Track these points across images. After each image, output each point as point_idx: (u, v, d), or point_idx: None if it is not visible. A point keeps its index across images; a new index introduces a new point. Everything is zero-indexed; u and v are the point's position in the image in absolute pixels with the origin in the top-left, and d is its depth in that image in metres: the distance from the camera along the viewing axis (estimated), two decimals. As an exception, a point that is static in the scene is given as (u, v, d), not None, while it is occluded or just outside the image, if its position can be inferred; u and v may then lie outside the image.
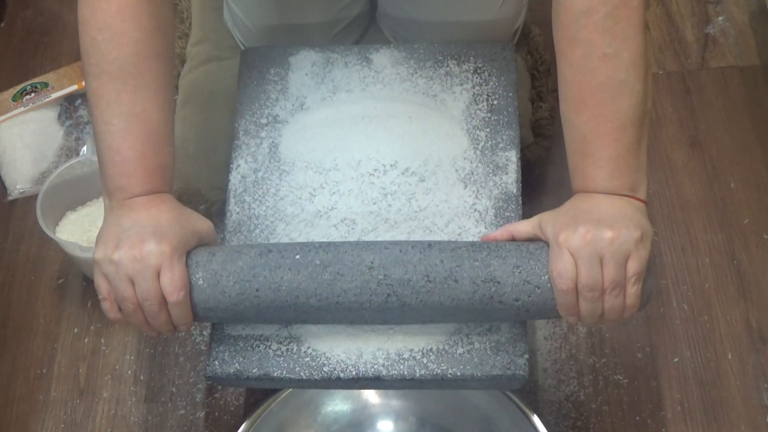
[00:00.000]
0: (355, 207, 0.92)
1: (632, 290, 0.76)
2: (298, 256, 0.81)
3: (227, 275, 0.80)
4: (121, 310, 0.80)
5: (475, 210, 0.91)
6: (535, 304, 0.79)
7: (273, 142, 0.97)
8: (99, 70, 0.81)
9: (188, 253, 0.82)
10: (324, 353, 0.85)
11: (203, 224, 0.84)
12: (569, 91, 0.81)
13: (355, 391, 1.03)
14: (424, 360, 0.84)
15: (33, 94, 1.34)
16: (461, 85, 0.99)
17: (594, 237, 0.74)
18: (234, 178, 0.95)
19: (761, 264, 1.18)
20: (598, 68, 0.78)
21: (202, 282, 0.80)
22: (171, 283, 0.78)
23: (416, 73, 1.00)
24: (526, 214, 0.87)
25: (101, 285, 0.80)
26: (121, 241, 0.78)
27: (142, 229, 0.79)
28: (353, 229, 0.91)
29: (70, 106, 1.35)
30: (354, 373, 0.84)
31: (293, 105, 0.99)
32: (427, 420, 1.03)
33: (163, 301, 0.78)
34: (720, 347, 1.12)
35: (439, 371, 0.83)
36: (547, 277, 0.78)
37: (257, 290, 0.80)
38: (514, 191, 0.92)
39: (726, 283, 1.17)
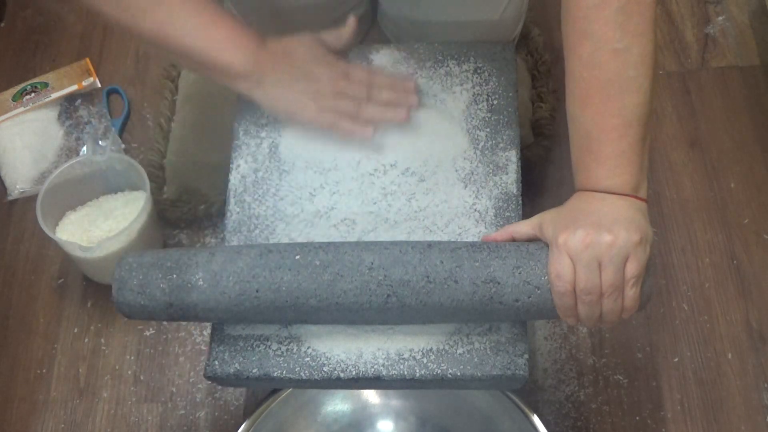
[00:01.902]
0: (355, 207, 0.92)
1: (630, 293, 0.76)
2: (298, 257, 0.81)
3: (227, 276, 0.80)
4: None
5: (475, 210, 0.91)
6: (535, 305, 0.79)
7: (273, 142, 0.97)
8: (141, 11, 0.86)
9: (188, 254, 0.82)
10: (324, 353, 0.85)
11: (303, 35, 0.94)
12: (576, 86, 0.81)
13: (355, 391, 1.03)
14: (424, 360, 0.84)
15: (33, 94, 1.34)
16: (461, 85, 0.99)
17: (593, 240, 0.74)
18: (234, 178, 0.95)
19: (761, 264, 1.18)
20: (608, 63, 0.78)
21: (202, 282, 0.80)
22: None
23: (416, 73, 1.00)
24: (526, 214, 0.87)
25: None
26: (298, 88, 0.90)
27: (303, 71, 0.91)
28: (353, 229, 0.91)
29: (70, 106, 1.35)
30: (354, 373, 0.84)
31: (293, 105, 0.99)
32: (427, 420, 1.03)
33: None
34: (720, 347, 1.12)
35: (439, 371, 0.83)
36: (546, 278, 0.78)
37: (257, 291, 0.80)
38: (514, 191, 0.92)
39: (726, 283, 1.17)
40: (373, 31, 1.20)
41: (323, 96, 0.90)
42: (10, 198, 1.29)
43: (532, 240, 0.82)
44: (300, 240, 0.90)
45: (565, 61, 0.82)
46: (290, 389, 0.96)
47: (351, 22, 0.96)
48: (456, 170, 0.93)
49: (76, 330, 1.18)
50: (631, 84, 0.78)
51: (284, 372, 0.84)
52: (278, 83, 0.90)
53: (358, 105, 0.91)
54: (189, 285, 0.80)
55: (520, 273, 0.79)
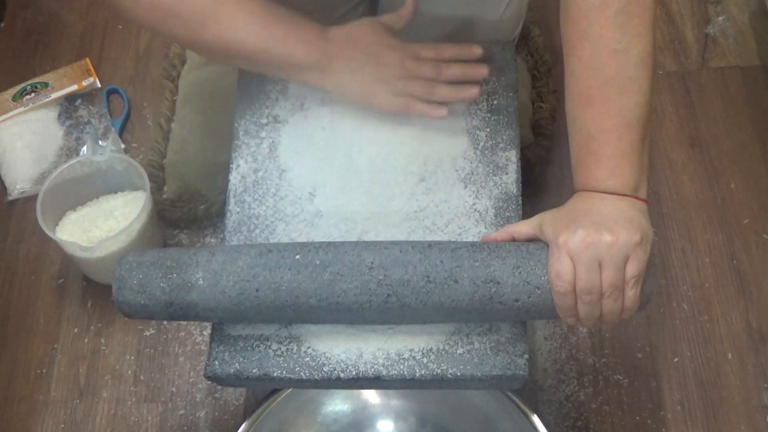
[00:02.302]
0: (355, 207, 0.92)
1: (631, 293, 0.76)
2: (298, 256, 0.81)
3: (227, 275, 0.80)
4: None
5: (475, 210, 0.91)
6: (535, 305, 0.79)
7: (273, 142, 0.97)
8: (201, 25, 0.87)
9: (188, 253, 0.82)
10: (324, 353, 0.85)
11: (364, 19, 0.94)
12: (576, 86, 0.81)
13: (355, 391, 1.03)
14: (424, 360, 0.84)
15: (33, 94, 1.34)
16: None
17: (593, 240, 0.74)
18: (234, 178, 0.95)
19: (761, 264, 1.18)
20: (608, 64, 0.78)
21: (202, 282, 0.80)
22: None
23: (416, 73, 1.00)
24: (526, 214, 0.87)
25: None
26: (368, 72, 0.91)
27: (366, 52, 0.91)
28: (353, 229, 0.91)
29: (70, 106, 1.35)
30: (354, 373, 0.84)
31: (293, 105, 0.99)
32: (427, 420, 1.03)
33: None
34: (720, 347, 1.12)
35: (439, 371, 0.83)
36: (547, 278, 0.78)
37: (257, 290, 0.80)
38: (514, 191, 0.92)
39: (726, 283, 1.17)
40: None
41: (394, 79, 0.91)
42: (10, 198, 1.29)
43: (532, 240, 0.82)
44: (300, 240, 0.90)
45: (565, 62, 0.82)
46: (290, 389, 0.96)
47: (410, 2, 0.96)
48: (456, 170, 0.93)
49: (76, 330, 1.18)
50: (631, 85, 0.78)
51: (284, 372, 0.84)
52: (346, 70, 0.91)
53: (430, 85, 0.91)
54: (189, 284, 0.80)
55: (520, 273, 0.79)
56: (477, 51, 0.93)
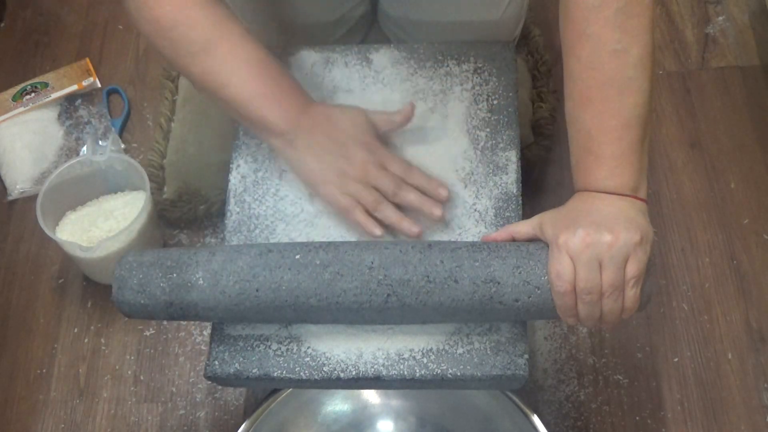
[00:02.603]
0: (355, 207, 0.92)
1: (631, 293, 0.76)
2: (298, 256, 0.81)
3: (227, 275, 0.80)
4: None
5: (475, 210, 0.91)
6: (535, 305, 0.79)
7: (273, 142, 0.97)
8: (191, 55, 0.86)
9: (189, 253, 0.82)
10: (324, 353, 0.85)
11: (359, 109, 0.91)
12: (576, 87, 0.81)
13: (355, 391, 1.03)
14: (424, 360, 0.84)
15: (33, 94, 1.34)
16: (461, 85, 0.99)
17: (593, 240, 0.74)
18: (234, 178, 0.95)
19: (761, 264, 1.18)
20: (607, 64, 0.78)
21: (202, 282, 0.80)
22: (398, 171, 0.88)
23: (416, 73, 1.00)
24: (526, 214, 0.87)
25: (339, 199, 0.87)
26: (326, 161, 0.87)
27: (338, 143, 0.87)
28: (353, 229, 0.91)
29: (70, 106, 1.35)
30: (354, 373, 0.84)
31: (293, 105, 0.99)
32: (427, 420, 1.03)
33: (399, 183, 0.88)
34: (720, 347, 1.12)
35: (439, 371, 0.83)
36: (546, 278, 0.78)
37: (257, 290, 0.80)
38: (514, 191, 0.92)
39: (726, 283, 1.17)
40: (373, 31, 1.20)
41: (350, 178, 0.87)
42: (10, 198, 1.29)
43: (533, 240, 0.82)
44: (300, 240, 0.90)
45: (564, 62, 0.82)
46: (290, 389, 0.96)
47: (407, 109, 0.91)
48: (456, 170, 0.93)
49: (76, 330, 1.18)
50: (631, 85, 0.78)
51: (284, 372, 0.84)
52: (309, 149, 0.88)
53: (380, 200, 0.87)
54: (189, 284, 0.80)
55: (520, 273, 0.79)
56: (443, 192, 0.88)
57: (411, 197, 0.87)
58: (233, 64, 0.87)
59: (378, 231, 0.86)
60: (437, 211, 0.87)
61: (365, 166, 0.87)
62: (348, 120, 0.89)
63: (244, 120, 0.90)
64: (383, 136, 0.91)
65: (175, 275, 0.81)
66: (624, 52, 0.78)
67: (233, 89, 0.87)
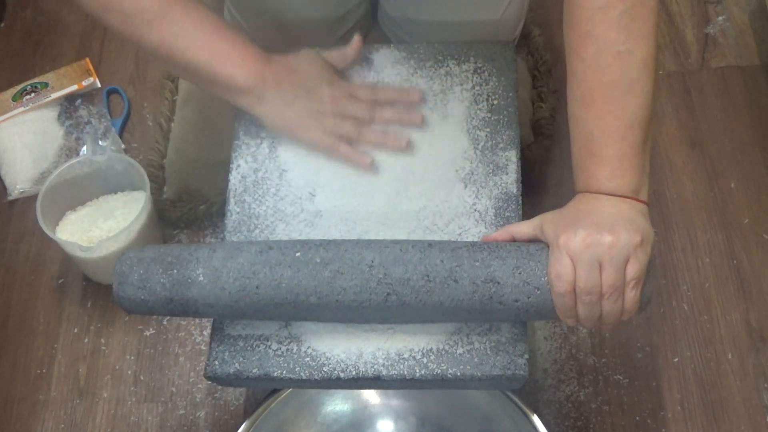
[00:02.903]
0: (355, 207, 0.92)
1: (631, 294, 0.76)
2: (298, 254, 0.81)
3: (227, 272, 0.81)
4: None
5: (475, 210, 0.91)
6: (535, 305, 0.79)
7: (273, 142, 0.97)
8: (145, 24, 0.85)
9: (189, 249, 0.83)
10: (324, 353, 0.85)
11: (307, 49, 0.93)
12: (579, 88, 0.81)
13: (355, 391, 1.03)
14: (424, 360, 0.84)
15: (33, 94, 1.34)
16: (461, 85, 0.99)
17: (594, 241, 0.74)
18: (234, 178, 0.95)
19: (761, 264, 1.18)
20: (611, 66, 0.78)
21: (202, 278, 0.80)
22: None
23: (416, 73, 1.00)
24: (526, 214, 0.87)
25: (319, 135, 0.90)
26: (302, 105, 0.89)
27: (303, 88, 0.90)
28: (353, 228, 0.91)
29: (70, 106, 1.35)
30: (354, 373, 0.84)
31: (293, 105, 0.99)
32: (427, 420, 1.03)
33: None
34: (720, 347, 1.12)
35: (439, 371, 0.83)
36: (546, 278, 0.78)
37: (257, 287, 0.80)
38: (514, 191, 0.92)
39: (726, 283, 1.17)
40: (373, 31, 1.20)
41: (325, 116, 0.90)
42: (10, 198, 1.29)
43: (533, 240, 0.82)
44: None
45: (567, 62, 0.82)
46: (290, 389, 0.96)
47: (356, 40, 0.95)
48: (456, 170, 0.93)
49: (76, 330, 1.18)
50: (634, 86, 0.78)
51: (284, 372, 0.84)
52: (279, 100, 0.90)
53: (359, 126, 0.90)
54: (189, 280, 0.81)
55: (520, 273, 0.79)
56: (415, 95, 0.92)
57: (387, 114, 0.92)
58: (190, 28, 0.87)
59: (367, 159, 0.90)
60: (416, 118, 0.91)
61: (336, 100, 0.90)
62: (307, 64, 0.92)
63: (208, 83, 0.90)
64: (342, 72, 0.95)
65: (175, 271, 0.81)
66: (628, 54, 0.78)
67: (194, 52, 0.87)
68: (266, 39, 1.12)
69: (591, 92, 0.79)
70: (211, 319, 0.88)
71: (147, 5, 0.85)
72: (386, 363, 0.84)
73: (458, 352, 0.84)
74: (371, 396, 1.03)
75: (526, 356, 0.83)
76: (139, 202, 1.17)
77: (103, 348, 1.17)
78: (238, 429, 0.95)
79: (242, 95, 0.89)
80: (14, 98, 1.34)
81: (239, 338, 0.86)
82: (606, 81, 0.78)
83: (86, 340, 1.17)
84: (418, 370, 0.83)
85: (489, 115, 0.96)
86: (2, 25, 1.47)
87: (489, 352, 0.83)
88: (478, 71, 0.99)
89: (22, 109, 1.33)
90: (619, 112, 0.78)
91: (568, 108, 0.82)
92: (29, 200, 1.26)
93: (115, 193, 1.22)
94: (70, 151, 1.31)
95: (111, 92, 1.37)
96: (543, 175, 1.24)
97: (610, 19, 0.77)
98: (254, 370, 0.84)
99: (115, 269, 0.83)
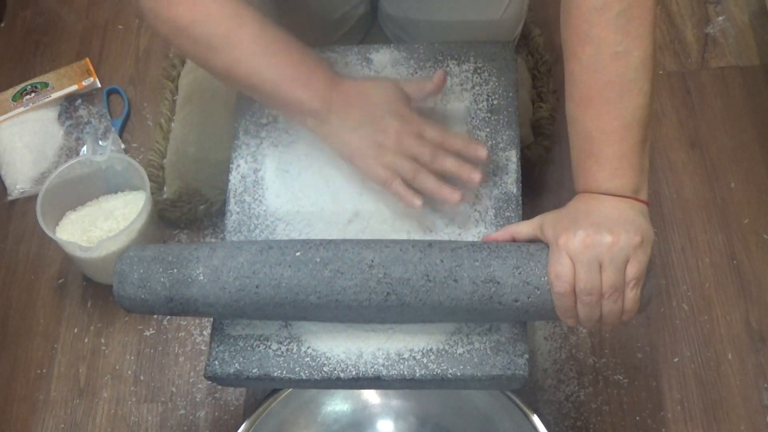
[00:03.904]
0: (355, 207, 0.92)
1: (631, 295, 0.76)
2: (298, 253, 0.81)
3: (227, 271, 0.81)
4: None
5: (475, 210, 0.91)
6: (535, 306, 0.79)
7: (273, 142, 0.97)
8: (212, 50, 0.86)
9: (189, 248, 0.83)
10: (324, 353, 0.85)
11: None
12: (577, 88, 0.81)
13: (355, 391, 1.03)
14: (424, 360, 0.84)
15: (33, 94, 1.34)
16: (461, 85, 0.99)
17: (593, 241, 0.74)
18: (234, 178, 0.95)
19: (761, 264, 1.18)
20: (609, 66, 0.78)
21: (202, 277, 0.80)
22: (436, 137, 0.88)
23: (416, 73, 1.00)
24: (526, 214, 0.87)
25: (379, 170, 0.87)
26: (365, 135, 0.87)
27: (375, 114, 0.87)
28: (353, 228, 0.91)
29: (70, 106, 1.35)
30: (354, 373, 0.84)
31: (293, 105, 0.99)
32: (427, 420, 1.03)
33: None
34: (720, 347, 1.12)
35: (439, 371, 0.83)
36: (546, 278, 0.78)
37: (257, 286, 0.80)
38: (514, 191, 0.92)
39: (726, 283, 1.17)
40: (373, 31, 1.20)
41: (386, 149, 0.87)
42: (10, 198, 1.29)
43: (533, 240, 0.82)
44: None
45: (565, 63, 0.82)
46: (290, 389, 0.96)
47: (439, 75, 0.91)
48: (456, 170, 0.93)
49: (76, 330, 1.18)
50: (632, 87, 0.78)
51: (284, 372, 0.84)
52: (343, 126, 0.88)
53: (418, 170, 0.86)
54: (189, 279, 0.81)
55: (519, 273, 0.79)
56: (482, 152, 0.87)
57: (448, 164, 0.87)
58: (257, 51, 0.86)
59: (417, 201, 0.86)
60: (475, 176, 0.86)
61: (400, 136, 0.86)
62: (380, 92, 0.89)
63: (275, 104, 0.91)
64: (417, 106, 0.91)
65: (175, 270, 0.81)
66: (626, 55, 0.77)
67: (261, 76, 0.87)
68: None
69: (589, 93, 0.79)
70: (211, 319, 0.88)
71: (214, 31, 0.85)
72: (386, 363, 0.84)
73: (458, 352, 0.84)
74: (371, 396, 1.03)
75: (526, 356, 0.83)
76: (139, 202, 1.17)
77: (103, 348, 1.17)
78: (238, 429, 0.95)
79: (308, 118, 0.88)
80: (14, 98, 1.34)
81: (239, 338, 0.86)
82: (604, 82, 0.78)
83: (86, 340, 1.17)
84: (418, 370, 0.83)
85: (489, 115, 0.96)
86: (2, 25, 1.47)
87: (489, 352, 0.83)
88: (478, 71, 0.99)
89: (22, 109, 1.33)
90: (617, 113, 0.78)
91: (567, 109, 0.82)
92: (29, 200, 1.26)
93: (115, 193, 1.22)
94: (70, 151, 1.31)
95: (111, 92, 1.37)
96: (543, 175, 1.24)
97: (607, 19, 0.77)
98: (254, 370, 0.84)
99: (115, 268, 0.83)
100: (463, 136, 0.90)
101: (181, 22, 0.85)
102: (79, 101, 1.35)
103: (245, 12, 0.87)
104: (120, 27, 1.44)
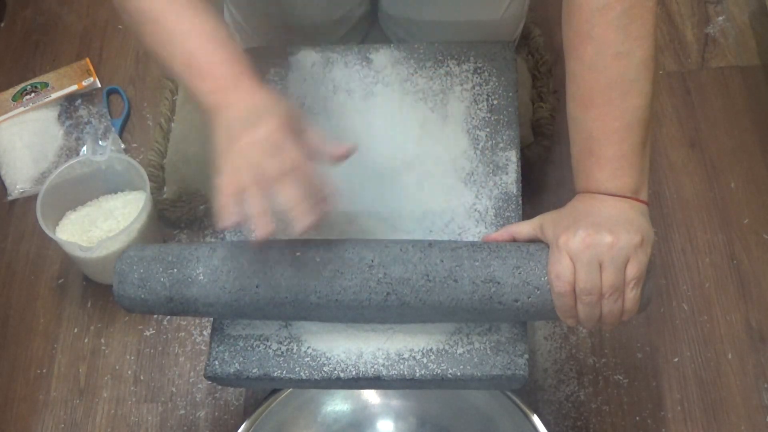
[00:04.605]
0: (355, 207, 0.92)
1: (631, 295, 0.76)
2: (298, 253, 0.81)
3: (227, 271, 0.81)
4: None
5: (475, 210, 0.91)
6: (535, 306, 0.79)
7: (273, 142, 0.97)
8: (140, 27, 0.83)
9: (189, 248, 0.83)
10: (324, 353, 0.85)
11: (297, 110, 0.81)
12: (578, 88, 0.81)
13: (355, 391, 1.03)
14: (424, 360, 0.84)
15: (33, 94, 1.34)
16: (461, 85, 0.99)
17: (593, 241, 0.74)
18: (234, 177, 0.95)
19: (761, 264, 1.18)
20: (610, 67, 0.78)
21: (202, 277, 0.80)
22: (287, 159, 0.74)
23: (416, 73, 1.00)
24: (526, 214, 0.87)
25: (230, 178, 0.75)
26: (234, 133, 0.76)
27: (250, 118, 0.76)
28: (353, 228, 0.91)
29: (70, 106, 1.35)
30: (354, 373, 0.84)
31: (293, 105, 0.99)
32: (427, 420, 1.03)
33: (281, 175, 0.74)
34: (720, 347, 1.12)
35: (439, 371, 0.83)
36: (546, 278, 0.78)
37: (257, 286, 0.80)
38: (514, 191, 0.92)
39: (726, 283, 1.17)
40: (373, 31, 1.20)
41: (244, 163, 0.75)
42: (10, 198, 1.29)
43: (533, 240, 0.82)
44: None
45: (566, 63, 0.82)
46: (290, 389, 0.96)
47: (347, 149, 0.80)
48: (456, 170, 0.93)
49: (76, 330, 1.18)
50: (633, 87, 0.78)
51: (284, 372, 0.84)
52: (223, 123, 0.79)
53: (257, 182, 0.74)
54: (189, 279, 0.81)
55: (520, 273, 0.79)
56: (322, 200, 0.76)
57: (291, 193, 0.74)
58: (175, 36, 0.82)
59: (224, 223, 0.74)
60: (308, 219, 0.74)
61: (261, 156, 0.75)
62: (272, 109, 0.78)
63: (189, 91, 0.83)
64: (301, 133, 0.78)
65: (175, 270, 0.81)
66: (627, 55, 0.78)
67: (171, 61, 0.82)
68: (267, 39, 1.12)
69: (590, 93, 0.79)
70: (211, 319, 0.88)
71: (146, 7, 0.83)
72: (386, 363, 0.84)
73: (458, 352, 0.84)
74: (371, 396, 1.03)
75: (526, 356, 0.83)
76: (139, 202, 1.17)
77: (103, 348, 1.17)
78: (238, 429, 0.95)
79: (202, 106, 0.82)
80: (14, 98, 1.34)
81: (239, 338, 0.86)
82: (605, 82, 0.78)
83: (86, 340, 1.17)
84: (418, 370, 0.83)
85: (489, 115, 0.96)
86: (2, 25, 1.47)
87: (489, 352, 0.83)
88: (478, 71, 0.99)
89: (22, 109, 1.33)
90: (618, 113, 0.78)
91: (567, 109, 0.82)
92: (29, 200, 1.26)
93: (115, 193, 1.22)
94: (70, 151, 1.31)
95: (111, 92, 1.37)
96: (543, 175, 1.24)
97: (609, 20, 0.77)
98: (254, 370, 0.84)
99: (115, 268, 0.83)
100: (317, 181, 0.77)
101: (140, 12, 0.83)
102: (79, 101, 1.35)
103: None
104: (120, 27, 1.44)
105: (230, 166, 0.76)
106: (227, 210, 0.74)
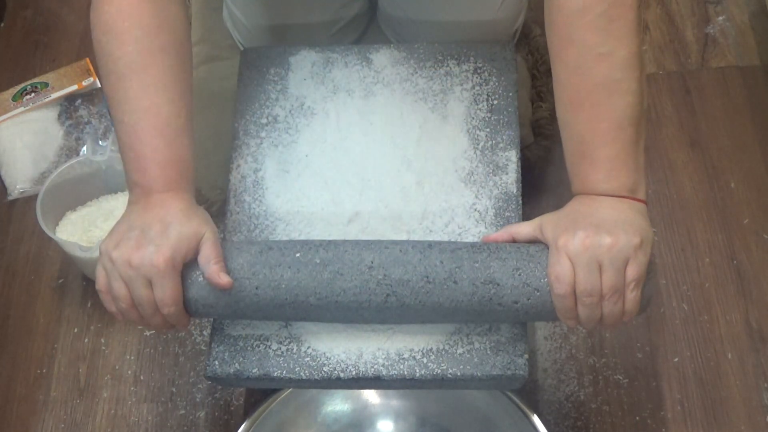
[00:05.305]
0: (355, 207, 0.92)
1: (631, 296, 0.76)
2: (298, 254, 0.81)
3: (227, 272, 0.80)
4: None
5: (475, 210, 0.91)
6: (535, 307, 0.79)
7: (273, 142, 0.97)
8: (107, 71, 0.82)
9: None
10: (324, 353, 0.85)
11: (206, 228, 0.81)
12: (565, 92, 0.81)
13: (355, 391, 1.03)
14: (424, 360, 0.84)
15: (33, 94, 1.34)
16: (461, 85, 0.99)
17: (593, 242, 0.74)
18: (234, 178, 0.96)
19: (761, 264, 1.18)
20: (594, 68, 0.78)
21: (201, 278, 0.80)
22: (162, 298, 0.77)
23: (416, 73, 1.00)
24: (526, 214, 0.87)
25: (100, 277, 0.80)
26: (122, 240, 0.78)
27: (143, 233, 0.78)
28: (353, 229, 0.91)
29: (70, 106, 1.35)
30: (354, 373, 0.84)
31: (293, 105, 0.99)
32: (427, 420, 1.03)
33: (156, 306, 0.78)
34: (720, 347, 1.12)
35: (439, 371, 0.83)
36: (546, 280, 0.78)
37: (257, 287, 0.80)
38: (514, 191, 0.92)
39: (726, 283, 1.17)
40: (373, 31, 1.20)
41: (129, 271, 0.77)
42: (10, 198, 1.29)
43: (533, 241, 0.82)
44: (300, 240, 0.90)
45: (552, 67, 0.82)
46: (290, 389, 0.96)
47: (225, 282, 0.79)
48: (456, 170, 0.93)
49: (76, 330, 1.18)
50: (619, 87, 0.78)
51: (284, 372, 0.84)
52: (128, 218, 0.81)
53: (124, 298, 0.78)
54: (189, 280, 0.80)
55: (519, 274, 0.79)
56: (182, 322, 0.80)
57: (152, 321, 0.79)
58: (135, 106, 0.81)
59: (109, 308, 0.79)
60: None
61: (136, 267, 0.76)
62: (177, 225, 0.78)
63: (122, 159, 0.84)
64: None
65: (174, 271, 0.81)
66: (609, 55, 0.77)
67: (124, 129, 0.81)
68: (267, 39, 1.12)
69: (577, 96, 0.79)
70: (211, 319, 0.88)
71: (118, 54, 0.81)
72: (386, 363, 0.84)
73: (458, 352, 0.84)
74: (371, 396, 1.03)
75: (526, 356, 0.83)
76: (139, 202, 1.17)
77: (103, 348, 1.17)
78: (238, 429, 0.95)
79: (128, 188, 0.84)
80: (14, 98, 1.34)
81: (239, 338, 0.86)
82: (590, 84, 0.78)
83: (86, 340, 1.17)
84: (418, 370, 0.83)
85: (489, 115, 0.96)
86: (2, 25, 1.47)
87: (489, 352, 0.83)
88: (478, 71, 0.99)
89: (22, 109, 1.33)
90: (607, 114, 0.78)
91: (557, 112, 0.82)
92: (29, 200, 1.26)
93: (115, 193, 1.22)
94: (70, 151, 1.31)
95: (111, 92, 1.37)
96: (543, 175, 1.24)
97: (588, 22, 0.77)
98: (254, 370, 0.84)
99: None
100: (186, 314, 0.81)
101: (100, 28, 0.82)
102: (79, 101, 1.35)
103: (152, 59, 0.81)
104: (120, 27, 1.44)
105: (108, 265, 0.78)
106: (110, 304, 0.80)
